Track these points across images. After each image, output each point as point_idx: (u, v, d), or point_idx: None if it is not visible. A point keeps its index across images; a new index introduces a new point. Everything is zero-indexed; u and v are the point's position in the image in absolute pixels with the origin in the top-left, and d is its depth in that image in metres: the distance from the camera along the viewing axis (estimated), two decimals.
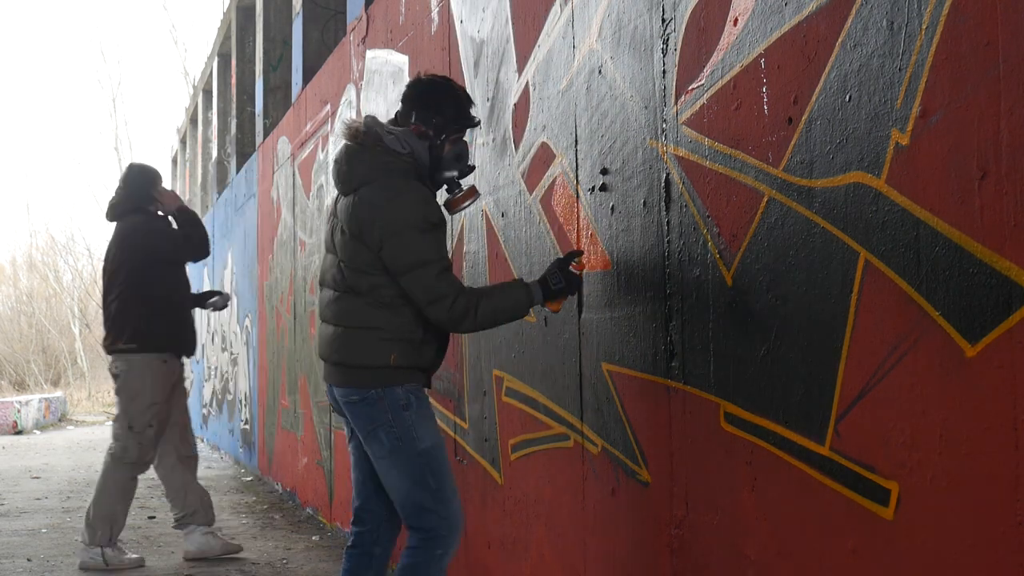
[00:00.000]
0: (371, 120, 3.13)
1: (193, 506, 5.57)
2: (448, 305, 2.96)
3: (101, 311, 5.87)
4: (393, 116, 3.20)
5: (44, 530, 6.63)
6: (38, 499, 8.22)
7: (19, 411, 17.57)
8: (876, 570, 2.04)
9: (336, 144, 6.37)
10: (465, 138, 3.20)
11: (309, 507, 7.17)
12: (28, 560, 5.59)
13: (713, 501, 2.56)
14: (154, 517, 7.14)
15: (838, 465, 2.13)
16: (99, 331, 33.75)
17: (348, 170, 3.11)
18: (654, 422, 2.82)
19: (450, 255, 4.35)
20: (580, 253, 3.07)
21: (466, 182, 3.23)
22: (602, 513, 3.10)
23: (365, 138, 3.09)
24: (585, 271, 3.15)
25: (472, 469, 4.12)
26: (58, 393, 24.11)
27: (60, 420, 20.33)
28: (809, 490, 2.22)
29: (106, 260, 5.65)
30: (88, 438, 15.69)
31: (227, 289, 11.17)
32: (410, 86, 3.22)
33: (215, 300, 5.95)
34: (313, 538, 6.19)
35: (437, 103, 3.12)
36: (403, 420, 3.03)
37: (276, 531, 6.30)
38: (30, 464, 11.33)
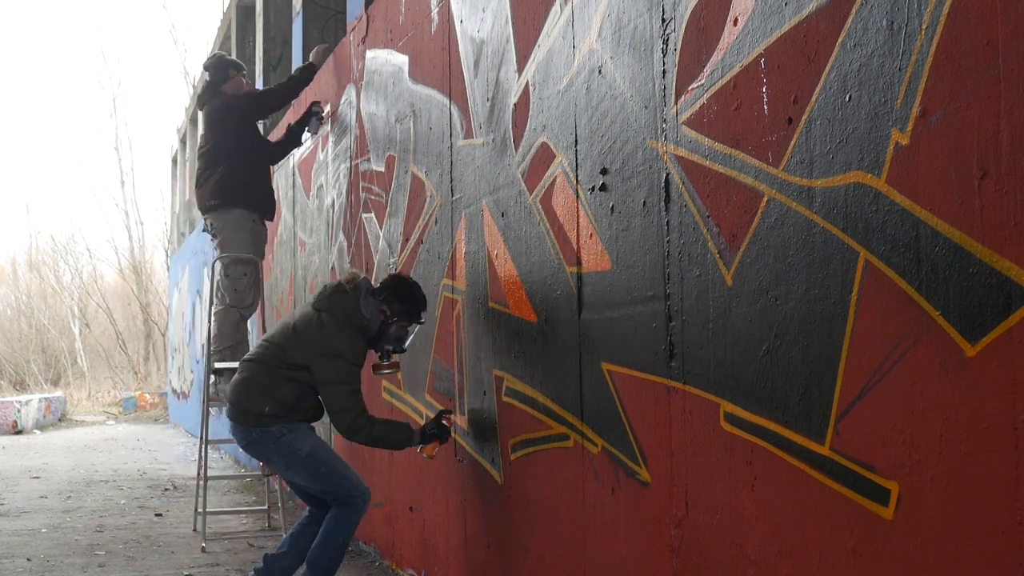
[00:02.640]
0: (364, 282, 4.27)
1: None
2: (352, 418, 4.08)
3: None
4: (378, 287, 4.27)
5: (44, 530, 6.63)
6: (38, 499, 8.22)
7: (19, 411, 17.57)
8: (876, 570, 2.04)
9: (340, 139, 6.37)
10: (410, 328, 4.26)
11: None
12: (28, 560, 5.59)
13: (713, 501, 2.56)
14: (161, 515, 7.14)
15: (838, 465, 2.13)
16: (99, 329, 33.77)
17: (328, 299, 4.26)
18: (654, 422, 2.82)
19: (448, 258, 4.35)
20: (450, 412, 4.20)
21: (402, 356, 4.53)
22: (602, 513, 3.10)
23: (351, 290, 4.23)
24: (584, 272, 3.16)
25: (472, 469, 4.12)
26: (58, 393, 24.11)
27: (60, 420, 20.33)
28: (809, 490, 2.22)
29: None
30: (88, 438, 15.69)
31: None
32: (391, 278, 4.33)
33: (312, 122, 6.66)
34: None
35: (401, 297, 4.20)
36: (281, 444, 4.24)
37: (276, 531, 6.30)
38: (30, 464, 11.33)
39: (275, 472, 4.65)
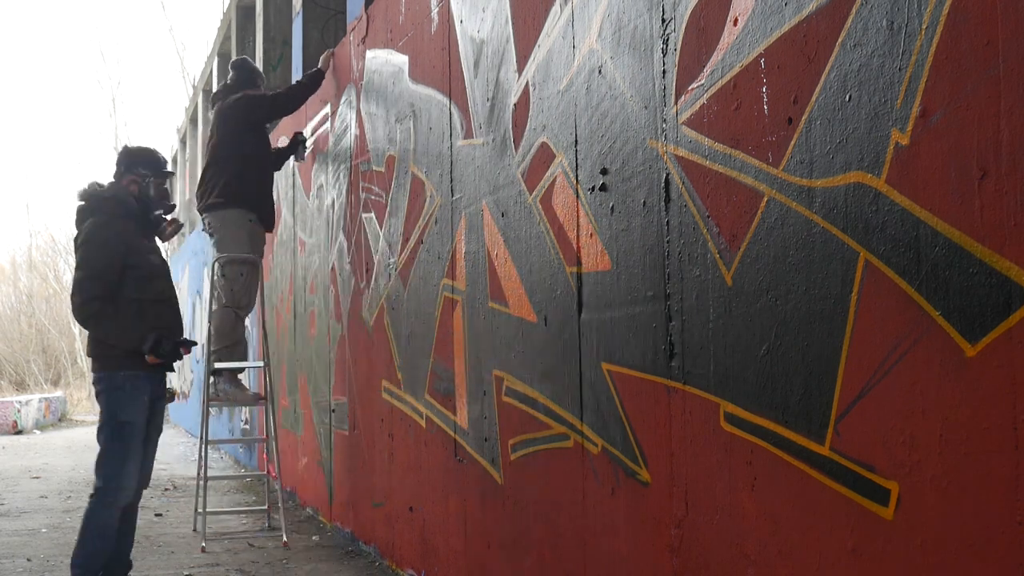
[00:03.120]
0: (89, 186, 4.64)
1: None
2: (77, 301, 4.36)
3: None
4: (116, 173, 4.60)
5: (44, 530, 6.63)
6: (38, 499, 8.22)
7: (19, 411, 17.58)
8: (876, 570, 2.04)
9: (340, 139, 6.37)
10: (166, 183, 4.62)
11: (309, 507, 7.17)
12: (28, 560, 5.59)
13: (713, 501, 2.56)
14: (161, 515, 7.14)
15: (838, 465, 2.13)
16: None
17: (78, 220, 4.53)
18: (654, 422, 2.82)
19: (448, 258, 4.35)
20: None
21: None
22: (602, 513, 3.10)
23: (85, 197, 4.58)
24: (584, 272, 3.16)
25: (472, 469, 4.12)
26: (58, 393, 24.12)
27: (60, 420, 20.34)
28: (809, 490, 2.22)
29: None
30: (88, 438, 15.68)
31: None
32: (120, 155, 4.68)
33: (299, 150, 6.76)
34: (313, 538, 6.19)
35: (141, 161, 4.62)
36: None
37: (276, 531, 6.30)
38: (30, 464, 11.33)
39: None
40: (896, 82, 1.97)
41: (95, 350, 4.41)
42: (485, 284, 3.97)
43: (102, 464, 4.30)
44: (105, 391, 4.35)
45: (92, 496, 4.30)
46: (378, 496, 5.39)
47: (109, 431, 4.31)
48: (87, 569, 4.26)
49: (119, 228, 4.43)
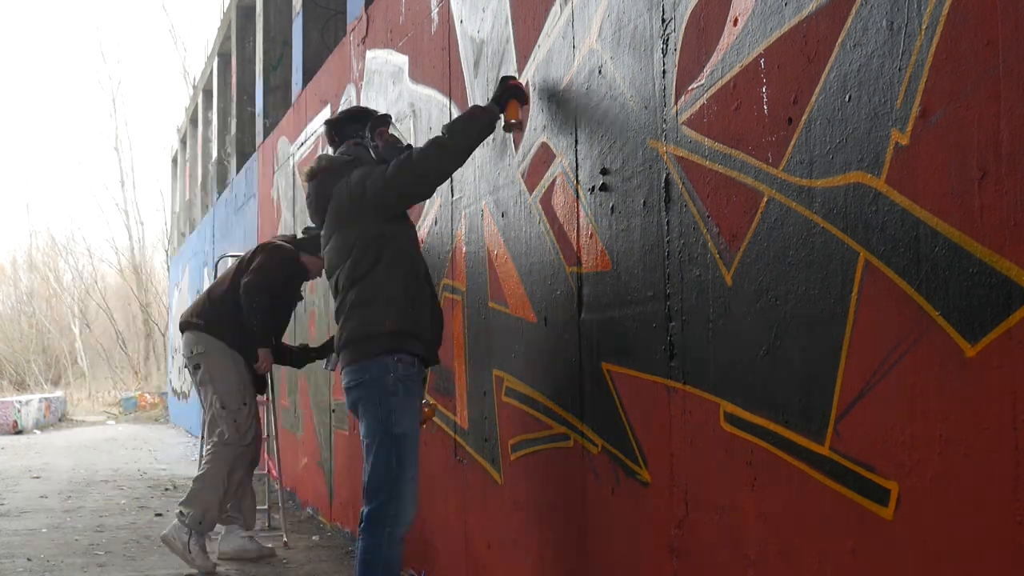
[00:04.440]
0: (321, 157, 3.90)
1: (238, 506, 5.55)
2: (407, 160, 3.56)
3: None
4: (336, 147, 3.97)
5: (44, 530, 6.63)
6: (38, 499, 8.22)
7: (19, 411, 17.58)
8: (876, 570, 2.04)
9: None
10: (391, 130, 3.98)
11: (309, 507, 7.18)
12: (28, 560, 5.59)
13: (713, 501, 2.56)
14: (161, 515, 7.14)
15: (838, 465, 2.13)
16: (99, 329, 33.76)
17: (318, 195, 3.77)
18: (654, 422, 2.82)
19: (448, 258, 4.35)
20: (512, 78, 3.63)
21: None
22: (602, 513, 3.10)
23: (319, 168, 3.82)
24: (584, 272, 3.16)
25: (472, 469, 4.12)
26: (58, 393, 24.12)
27: (60, 420, 20.34)
28: (809, 490, 2.22)
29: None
30: (88, 438, 15.69)
31: None
32: (328, 126, 4.02)
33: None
34: (313, 538, 6.19)
35: (353, 119, 3.95)
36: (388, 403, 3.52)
37: (276, 531, 6.30)
38: (30, 464, 11.33)
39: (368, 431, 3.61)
40: (896, 82, 1.97)
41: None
42: (485, 284, 3.97)
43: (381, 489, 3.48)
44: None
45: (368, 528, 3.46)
46: None
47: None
48: None
49: None
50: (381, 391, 3.48)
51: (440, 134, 3.53)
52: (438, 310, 3.76)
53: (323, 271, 4.00)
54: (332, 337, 5.79)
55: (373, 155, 3.82)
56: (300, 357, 5.84)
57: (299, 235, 5.85)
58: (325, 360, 5.55)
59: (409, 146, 3.86)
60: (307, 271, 5.65)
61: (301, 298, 5.81)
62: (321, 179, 3.77)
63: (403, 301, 3.53)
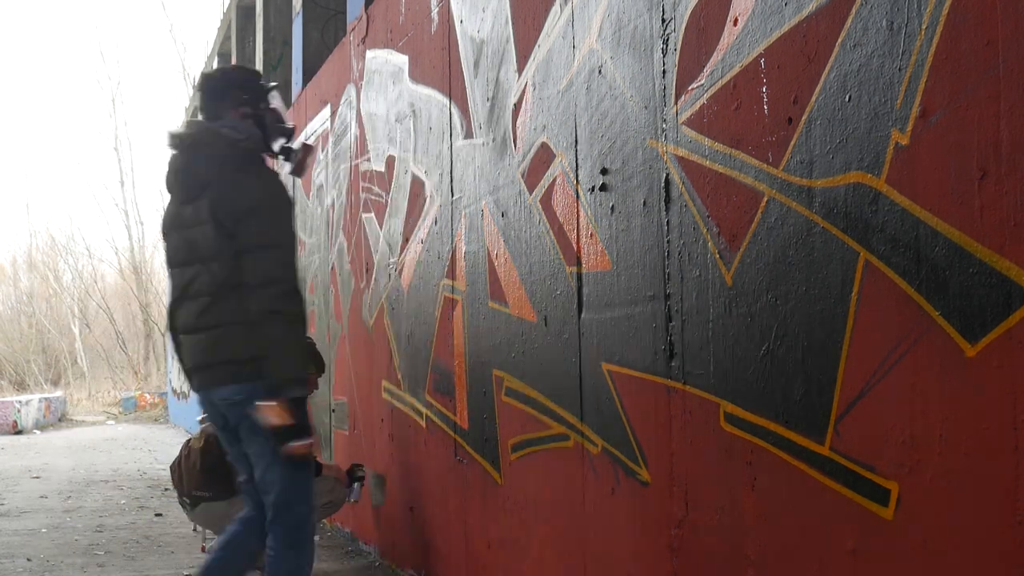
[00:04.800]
0: (194, 122, 3.30)
1: None
2: (279, 291, 3.11)
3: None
4: (198, 119, 3.36)
5: (44, 530, 6.63)
6: (38, 499, 8.22)
7: (19, 411, 17.58)
8: (876, 570, 2.04)
9: (340, 139, 6.37)
10: (273, 105, 3.40)
11: None
12: (28, 560, 5.59)
13: (713, 501, 2.56)
14: (161, 515, 7.14)
15: (838, 465, 2.13)
16: (99, 329, 33.75)
17: (192, 173, 3.19)
18: (654, 422, 2.82)
19: (448, 258, 4.34)
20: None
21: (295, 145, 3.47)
22: (602, 513, 3.10)
23: (197, 139, 3.20)
24: (584, 272, 3.16)
25: (472, 469, 4.12)
26: (58, 393, 24.12)
27: (60, 420, 20.34)
28: (809, 490, 2.22)
29: None
30: (88, 438, 15.69)
31: None
32: (203, 84, 3.36)
33: None
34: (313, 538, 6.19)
35: (239, 84, 3.33)
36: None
37: None
38: (30, 464, 11.33)
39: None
40: (896, 82, 1.97)
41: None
42: (485, 284, 3.97)
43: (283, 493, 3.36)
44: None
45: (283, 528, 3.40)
46: (377, 496, 5.39)
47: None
48: None
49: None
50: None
51: (298, 313, 3.20)
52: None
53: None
54: (353, 466, 5.39)
55: (259, 135, 3.32)
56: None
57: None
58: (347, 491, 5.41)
59: (293, 128, 3.46)
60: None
61: None
62: (193, 157, 3.24)
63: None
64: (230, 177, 3.15)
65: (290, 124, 3.42)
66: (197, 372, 3.27)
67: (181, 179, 3.22)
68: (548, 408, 3.44)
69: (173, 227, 3.27)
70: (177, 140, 3.24)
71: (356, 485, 5.33)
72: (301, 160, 3.47)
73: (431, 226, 4.61)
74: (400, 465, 5.07)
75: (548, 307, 3.43)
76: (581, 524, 3.22)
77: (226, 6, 13.01)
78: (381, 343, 5.35)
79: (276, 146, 3.37)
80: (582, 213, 3.21)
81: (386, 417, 5.27)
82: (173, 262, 3.29)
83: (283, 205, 3.24)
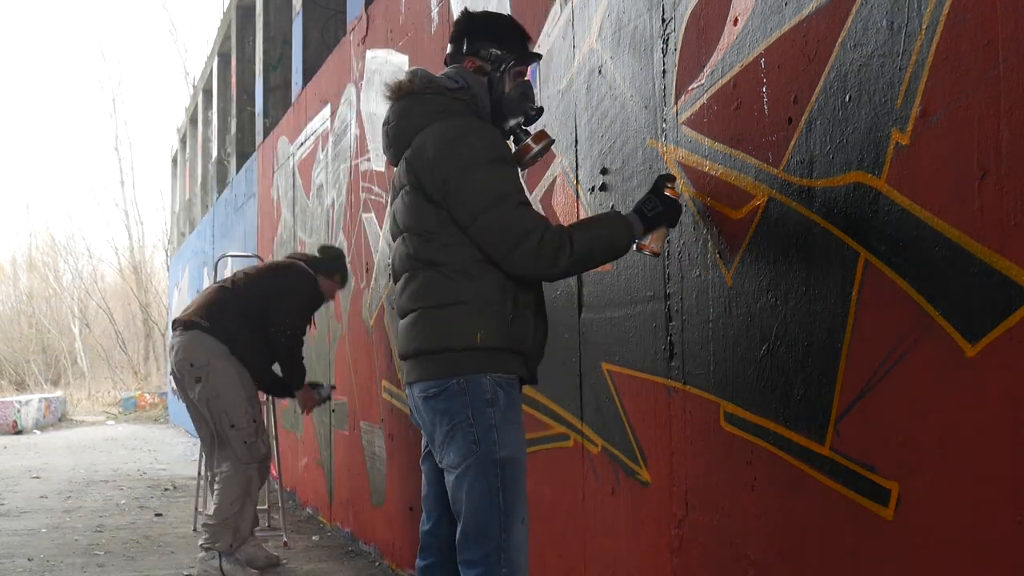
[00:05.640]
0: (417, 70, 2.73)
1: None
2: (535, 242, 2.41)
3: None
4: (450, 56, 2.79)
5: (44, 530, 6.63)
6: (38, 499, 8.22)
7: (19, 411, 17.57)
8: (876, 570, 2.04)
9: (340, 139, 6.37)
10: (529, 72, 2.75)
11: (309, 507, 7.18)
12: (28, 560, 5.59)
13: (713, 501, 2.56)
14: (161, 515, 7.14)
15: (838, 465, 2.13)
16: (99, 329, 33.76)
17: (398, 127, 2.64)
18: (654, 422, 2.82)
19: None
20: (673, 178, 2.53)
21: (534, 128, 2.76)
22: (602, 513, 3.10)
23: (412, 87, 2.65)
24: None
25: None
26: (58, 393, 24.11)
27: (60, 420, 20.33)
28: (809, 490, 2.22)
29: None
30: (88, 438, 15.69)
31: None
32: (460, 20, 2.75)
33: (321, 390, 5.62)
34: (313, 538, 6.19)
35: (494, 33, 2.69)
36: (485, 417, 2.49)
37: (276, 531, 6.30)
38: (30, 464, 11.33)
39: (434, 465, 2.74)
40: (896, 82, 1.97)
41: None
42: None
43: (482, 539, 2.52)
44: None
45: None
46: (377, 496, 5.39)
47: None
48: None
49: None
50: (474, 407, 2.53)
51: (571, 234, 2.48)
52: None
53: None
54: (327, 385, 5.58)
55: (486, 99, 2.67)
56: (283, 389, 5.50)
57: (316, 254, 5.50)
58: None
59: (540, 109, 2.77)
60: (323, 297, 5.40)
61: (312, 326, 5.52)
62: (407, 106, 2.66)
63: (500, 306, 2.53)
64: (435, 132, 2.55)
65: (536, 104, 2.75)
66: (402, 363, 2.71)
67: (388, 138, 2.70)
68: (548, 408, 3.44)
69: (392, 195, 2.75)
70: (390, 91, 2.72)
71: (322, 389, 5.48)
72: (532, 153, 2.69)
73: None
74: (400, 465, 5.07)
75: (548, 307, 3.42)
76: (581, 524, 3.22)
77: (226, 6, 13.01)
78: (381, 343, 5.35)
79: (508, 123, 2.68)
80: (582, 213, 3.21)
81: (386, 417, 5.27)
82: (389, 234, 2.81)
83: (505, 159, 2.57)
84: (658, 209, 2.51)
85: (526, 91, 2.70)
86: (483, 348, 2.49)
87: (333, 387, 5.88)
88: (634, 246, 2.57)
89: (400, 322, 2.65)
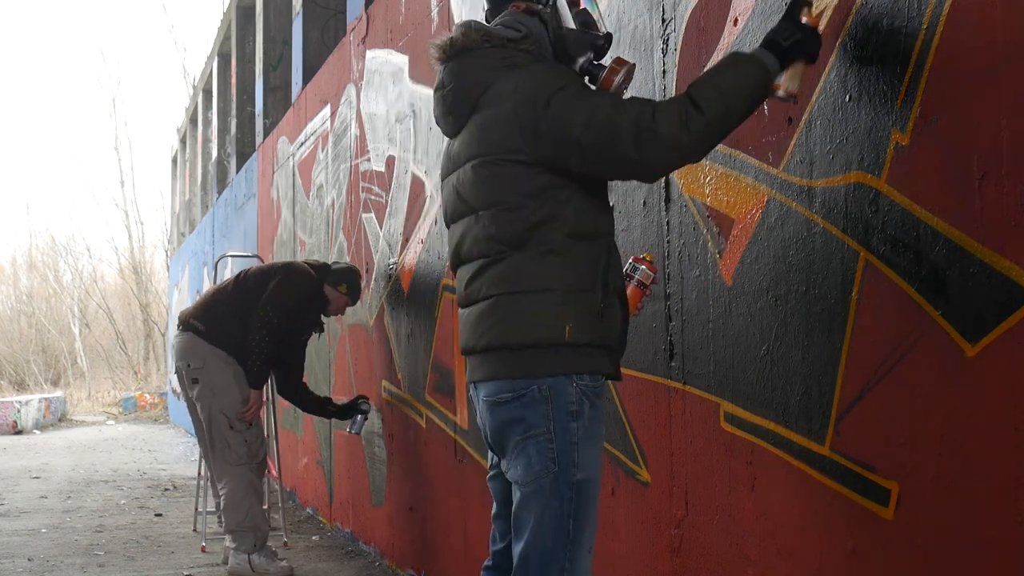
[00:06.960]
0: (470, 21, 2.37)
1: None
2: (649, 120, 2.05)
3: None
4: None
5: (44, 530, 6.63)
6: (38, 499, 8.22)
7: (19, 411, 17.57)
8: (876, 570, 2.04)
9: (340, 139, 6.37)
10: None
11: (309, 507, 7.18)
12: (28, 560, 5.59)
13: (713, 501, 2.56)
14: (161, 515, 7.14)
15: (838, 465, 2.13)
16: (99, 329, 33.76)
17: (458, 89, 2.31)
18: (654, 422, 2.82)
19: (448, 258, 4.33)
20: (810, 2, 2.09)
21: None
22: (602, 513, 3.10)
23: (468, 42, 2.31)
24: None
25: (472, 469, 4.12)
26: (58, 393, 24.11)
27: (60, 420, 20.33)
28: (809, 490, 2.22)
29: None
30: (88, 438, 15.69)
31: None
32: None
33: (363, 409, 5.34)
34: (313, 538, 6.20)
35: None
36: (568, 433, 2.18)
37: (276, 531, 6.30)
38: (30, 464, 11.33)
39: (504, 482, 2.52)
40: (896, 82, 1.97)
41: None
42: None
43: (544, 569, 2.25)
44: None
45: None
46: (378, 496, 5.39)
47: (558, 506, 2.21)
48: None
49: None
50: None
51: (690, 96, 2.07)
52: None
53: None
54: (357, 398, 5.29)
55: (546, 38, 2.31)
56: (317, 408, 5.46)
57: (330, 264, 5.35)
58: (348, 423, 5.25)
59: (609, 36, 2.35)
60: (327, 305, 5.23)
61: (321, 330, 5.38)
62: (463, 64, 2.32)
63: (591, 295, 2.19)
64: (509, 85, 2.21)
65: (602, 32, 2.34)
66: (466, 358, 2.42)
67: (447, 103, 2.36)
68: None
69: (445, 171, 2.42)
70: (439, 50, 2.37)
71: (359, 417, 5.21)
72: (616, 83, 2.28)
73: (431, 226, 4.61)
74: (400, 465, 5.07)
75: None
76: None
77: (226, 6, 13.01)
78: (381, 343, 5.35)
79: (578, 62, 2.31)
80: None
81: (386, 417, 5.27)
82: (447, 217, 2.42)
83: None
84: (796, 36, 2.05)
85: (586, 20, 2.32)
86: (571, 344, 2.16)
87: (369, 406, 5.46)
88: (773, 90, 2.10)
89: (466, 311, 2.33)
